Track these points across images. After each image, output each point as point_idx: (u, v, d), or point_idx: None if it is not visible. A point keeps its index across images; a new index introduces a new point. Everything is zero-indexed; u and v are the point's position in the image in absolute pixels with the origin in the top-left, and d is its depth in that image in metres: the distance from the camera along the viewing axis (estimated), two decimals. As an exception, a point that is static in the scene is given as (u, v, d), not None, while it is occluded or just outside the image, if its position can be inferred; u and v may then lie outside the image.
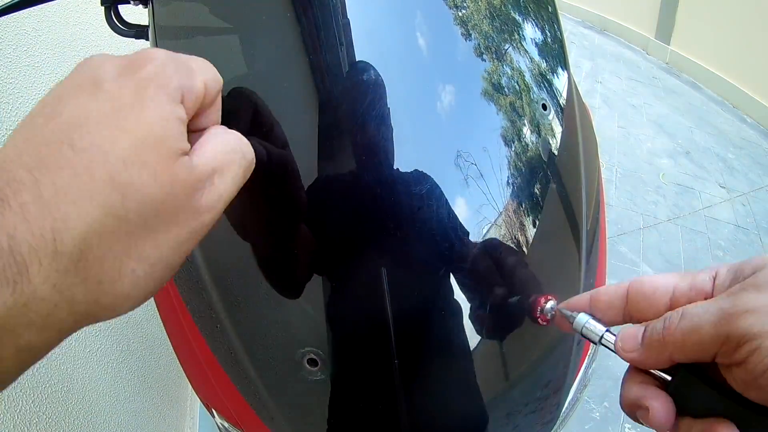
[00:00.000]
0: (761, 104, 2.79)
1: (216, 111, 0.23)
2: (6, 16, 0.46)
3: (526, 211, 0.39)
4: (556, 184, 0.41)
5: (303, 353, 0.36)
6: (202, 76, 0.21)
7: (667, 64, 3.31)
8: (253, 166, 0.23)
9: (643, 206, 2.11)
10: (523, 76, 0.42)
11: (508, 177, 0.39)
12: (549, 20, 0.48)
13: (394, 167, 0.35)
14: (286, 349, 0.37)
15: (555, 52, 0.46)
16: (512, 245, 0.38)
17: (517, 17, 0.44)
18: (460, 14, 0.40)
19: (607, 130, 2.60)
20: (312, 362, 0.36)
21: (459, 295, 0.37)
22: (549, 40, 0.46)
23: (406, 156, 0.36)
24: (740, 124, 2.80)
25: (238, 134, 0.23)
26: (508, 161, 0.39)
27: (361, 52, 0.36)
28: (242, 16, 0.40)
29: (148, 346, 0.98)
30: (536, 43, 0.45)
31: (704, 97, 3.01)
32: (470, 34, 0.40)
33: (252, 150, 0.23)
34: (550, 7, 0.48)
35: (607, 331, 0.25)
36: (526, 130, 0.40)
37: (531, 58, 0.43)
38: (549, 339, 0.41)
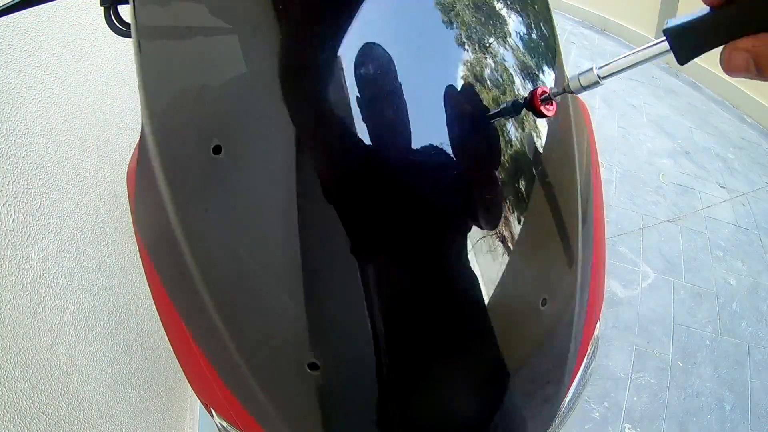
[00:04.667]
0: (761, 104, 2.79)
1: None
2: (6, 16, 0.46)
3: (524, 212, 0.39)
4: (554, 183, 0.41)
5: (303, 358, 0.36)
6: None
7: (667, 64, 3.31)
8: None
9: (643, 206, 2.11)
10: (518, 73, 0.42)
11: (505, 177, 0.39)
12: (542, 18, 0.48)
13: (393, 164, 0.35)
14: (286, 354, 0.37)
15: (548, 50, 0.46)
16: (513, 246, 0.38)
17: (511, 15, 0.44)
18: (455, 12, 0.40)
19: (607, 130, 2.59)
20: (312, 366, 0.36)
21: (459, 295, 0.37)
22: (542, 37, 0.46)
23: (404, 153, 0.36)
24: (740, 124, 2.79)
25: None
26: (505, 160, 0.39)
27: (355, 48, 0.36)
28: (232, 13, 0.39)
29: (148, 346, 0.98)
30: (530, 42, 0.45)
31: (704, 97, 3.01)
32: (463, 32, 0.40)
33: None
34: (544, 4, 0.48)
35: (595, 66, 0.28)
36: (520, 129, 0.40)
37: (524, 57, 0.43)
38: (548, 339, 0.41)
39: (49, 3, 0.48)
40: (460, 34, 0.39)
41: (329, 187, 0.35)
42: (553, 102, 0.33)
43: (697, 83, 3.10)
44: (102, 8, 0.54)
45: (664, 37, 0.25)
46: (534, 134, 0.41)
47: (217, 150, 0.37)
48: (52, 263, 0.72)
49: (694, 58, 0.25)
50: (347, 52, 0.36)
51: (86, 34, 0.85)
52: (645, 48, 0.27)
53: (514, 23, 0.43)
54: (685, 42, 0.25)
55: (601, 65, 0.29)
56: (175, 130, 0.41)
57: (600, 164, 0.53)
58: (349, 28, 0.36)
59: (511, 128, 0.40)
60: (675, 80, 3.14)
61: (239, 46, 0.39)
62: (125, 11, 0.55)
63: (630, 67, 0.28)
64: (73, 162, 0.79)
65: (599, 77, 0.29)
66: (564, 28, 3.70)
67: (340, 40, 0.36)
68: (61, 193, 0.76)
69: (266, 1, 0.38)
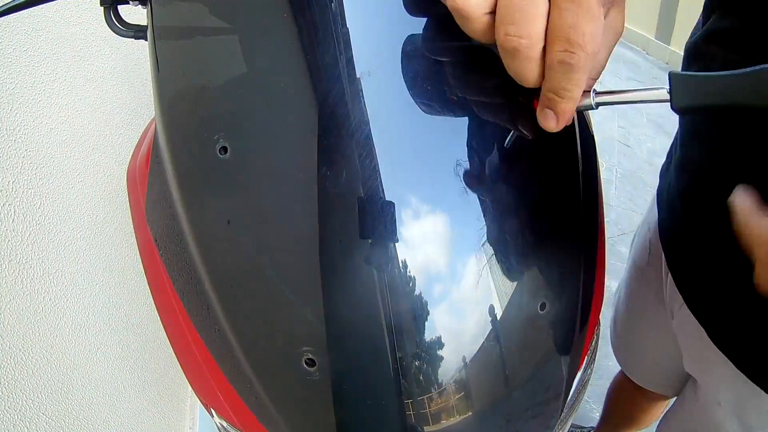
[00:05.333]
0: (761, 104, 2.79)
1: None
2: (6, 16, 0.46)
3: (524, 212, 0.39)
4: (555, 184, 0.41)
5: (300, 353, 0.36)
6: None
7: (667, 64, 3.31)
8: None
9: (643, 206, 2.11)
10: None
11: (506, 177, 0.39)
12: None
13: (394, 167, 0.35)
14: (284, 350, 0.37)
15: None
16: (511, 246, 0.38)
17: None
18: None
19: (607, 130, 2.59)
20: (309, 362, 0.36)
21: (459, 294, 0.37)
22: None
23: (405, 156, 0.36)
24: (740, 124, 2.79)
25: None
26: (507, 161, 0.39)
27: (360, 51, 0.36)
28: (241, 17, 0.40)
29: (148, 346, 0.98)
30: None
31: (704, 97, 3.01)
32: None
33: None
34: None
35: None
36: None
37: None
38: (548, 341, 0.41)
39: (49, 3, 0.48)
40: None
41: (335, 188, 0.35)
42: None
43: (698, 83, 3.10)
44: (102, 8, 0.54)
45: (668, 81, 0.26)
46: (539, 137, 0.41)
47: (223, 150, 0.38)
48: (52, 263, 0.72)
49: (689, 108, 0.25)
50: (357, 55, 0.36)
51: (86, 34, 0.85)
52: (647, 89, 0.28)
53: None
54: (687, 90, 0.25)
55: (600, 91, 0.29)
56: (183, 128, 0.41)
57: (600, 164, 0.53)
58: (358, 31, 0.36)
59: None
60: (675, 80, 3.13)
61: (247, 49, 0.39)
62: (125, 11, 0.55)
63: (627, 102, 0.29)
64: (73, 162, 0.79)
65: (595, 103, 0.29)
66: (564, 28, 3.69)
67: (349, 43, 0.36)
68: (61, 193, 0.76)
69: (275, 4, 0.38)
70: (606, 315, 1.53)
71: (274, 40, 0.38)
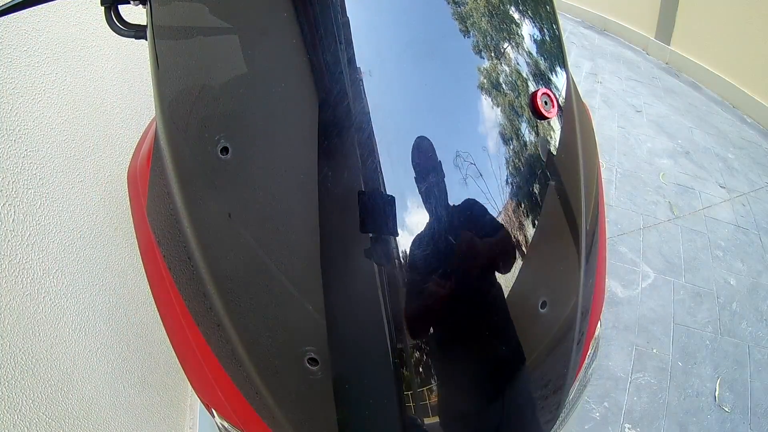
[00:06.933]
0: (761, 104, 2.79)
1: None
2: (6, 16, 0.46)
3: (525, 211, 0.39)
4: (555, 183, 0.41)
5: (302, 353, 0.36)
6: None
7: (667, 64, 3.31)
8: None
9: (643, 206, 2.11)
10: (522, 75, 0.42)
11: (506, 177, 0.39)
12: (547, 19, 0.48)
13: (393, 167, 0.35)
14: (286, 349, 0.37)
15: (553, 52, 0.46)
16: (512, 245, 0.38)
17: (516, 17, 0.44)
18: (458, 13, 0.40)
19: (607, 130, 2.60)
20: (312, 361, 0.36)
21: (459, 294, 0.37)
22: (547, 39, 0.46)
23: (404, 155, 0.36)
24: (740, 124, 2.80)
25: None
26: (507, 161, 0.39)
27: (360, 50, 0.36)
28: (242, 16, 0.40)
29: (148, 345, 0.98)
30: (534, 43, 0.45)
31: (704, 97, 3.01)
32: (468, 34, 0.40)
33: None
34: (548, 7, 0.48)
35: None
36: (525, 130, 0.40)
37: (529, 58, 0.43)
38: (548, 340, 0.41)
39: (49, 3, 0.48)
40: (473, 42, 0.39)
41: (336, 188, 0.35)
42: (554, 104, 0.32)
43: (697, 83, 3.10)
44: (102, 8, 0.54)
45: None
46: (538, 136, 0.41)
47: (224, 151, 0.38)
48: (52, 263, 0.72)
49: None
50: (358, 56, 0.36)
51: (86, 34, 0.85)
52: None
53: (524, 28, 0.43)
54: None
55: None
56: (184, 129, 0.41)
57: (600, 164, 0.53)
58: (357, 32, 0.36)
59: (515, 131, 0.40)
60: (675, 80, 3.14)
61: (247, 48, 0.39)
62: (126, 11, 0.55)
63: None
64: (73, 162, 0.79)
65: None
66: (564, 28, 3.70)
67: (350, 44, 0.36)
68: (61, 193, 0.76)
69: (275, 4, 0.38)
70: (606, 314, 1.53)
71: (275, 39, 0.38)
